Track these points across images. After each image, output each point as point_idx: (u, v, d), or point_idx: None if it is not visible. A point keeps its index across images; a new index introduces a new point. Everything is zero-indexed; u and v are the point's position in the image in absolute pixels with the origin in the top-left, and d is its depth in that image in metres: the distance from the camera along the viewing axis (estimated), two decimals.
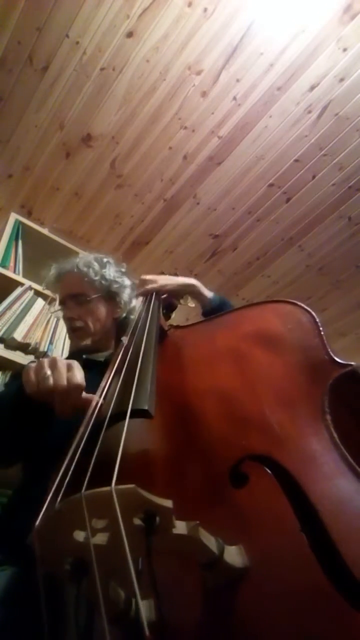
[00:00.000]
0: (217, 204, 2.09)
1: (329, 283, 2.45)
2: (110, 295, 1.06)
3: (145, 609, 0.28)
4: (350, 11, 1.46)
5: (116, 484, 0.31)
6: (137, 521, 0.29)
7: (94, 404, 0.54)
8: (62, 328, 1.75)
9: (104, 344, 1.03)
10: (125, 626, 0.28)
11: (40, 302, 1.78)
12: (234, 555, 0.31)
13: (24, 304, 1.71)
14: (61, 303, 1.07)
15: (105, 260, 1.10)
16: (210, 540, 0.30)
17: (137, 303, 1.09)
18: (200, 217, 2.16)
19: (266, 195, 2.04)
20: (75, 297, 1.03)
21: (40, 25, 1.51)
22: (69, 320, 1.03)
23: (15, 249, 1.87)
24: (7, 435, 0.66)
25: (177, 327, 0.81)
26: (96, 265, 1.05)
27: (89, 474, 0.36)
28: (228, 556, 0.30)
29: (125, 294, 1.08)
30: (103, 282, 1.04)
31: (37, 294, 1.80)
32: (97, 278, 1.03)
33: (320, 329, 0.53)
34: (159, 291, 1.00)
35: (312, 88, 1.66)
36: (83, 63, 1.61)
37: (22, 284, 1.76)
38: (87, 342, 1.00)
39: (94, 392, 0.58)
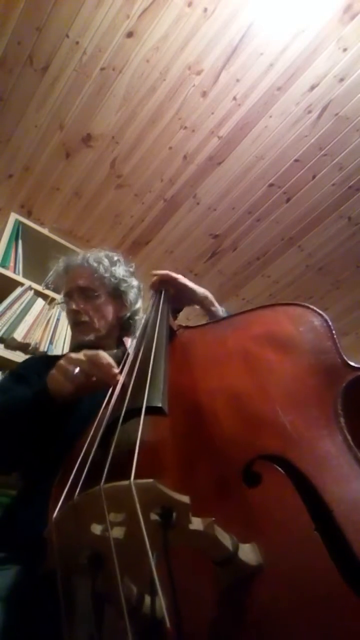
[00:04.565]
0: (217, 204, 2.09)
1: (329, 283, 2.45)
2: (118, 294, 1.05)
3: (160, 603, 0.28)
4: (350, 11, 1.46)
5: (134, 478, 0.31)
6: (153, 516, 0.29)
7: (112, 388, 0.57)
8: (62, 328, 1.75)
9: (106, 342, 1.02)
10: (138, 621, 0.28)
11: (40, 302, 1.78)
12: (248, 552, 0.31)
13: (24, 304, 1.71)
14: (67, 295, 1.05)
15: (115, 258, 1.09)
16: (225, 537, 0.30)
17: (141, 304, 1.10)
18: (200, 217, 2.16)
19: (266, 195, 2.04)
20: (82, 290, 1.02)
21: (40, 25, 1.51)
22: (73, 314, 1.01)
23: (15, 249, 1.87)
24: (23, 438, 0.67)
25: (186, 327, 0.81)
26: (106, 262, 1.05)
27: (106, 468, 0.36)
28: (242, 554, 0.30)
29: (132, 294, 1.08)
30: (112, 279, 1.04)
31: (37, 294, 1.80)
32: (106, 275, 1.03)
33: (334, 332, 0.53)
34: (174, 282, 0.98)
35: (312, 88, 1.66)
36: (83, 63, 1.61)
37: (22, 284, 1.76)
38: (91, 337, 0.99)
39: (95, 393, 0.60)
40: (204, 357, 0.63)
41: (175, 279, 0.98)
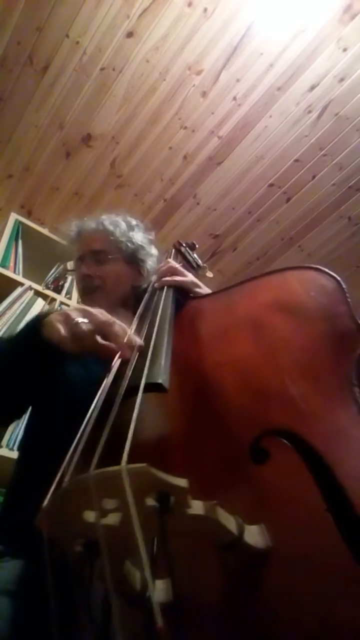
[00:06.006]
0: (217, 204, 2.09)
1: None
2: (134, 261, 0.95)
3: (161, 590, 0.27)
4: (350, 11, 1.46)
5: (128, 462, 0.29)
6: (150, 501, 0.28)
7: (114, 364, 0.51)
8: None
9: (119, 313, 0.88)
10: (144, 607, 0.27)
11: (40, 302, 1.78)
12: (255, 535, 0.29)
13: (24, 304, 1.71)
14: (79, 260, 0.95)
15: (134, 222, 1.00)
16: (229, 520, 0.29)
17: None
18: (200, 217, 2.16)
19: (266, 195, 2.04)
20: (96, 254, 0.92)
21: (40, 25, 1.51)
22: (84, 279, 0.91)
23: (15, 249, 1.87)
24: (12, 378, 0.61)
25: (195, 297, 0.77)
26: (123, 226, 0.96)
27: (98, 451, 0.34)
28: (248, 536, 0.29)
29: (150, 263, 0.98)
30: (129, 244, 0.94)
31: (37, 294, 1.80)
32: (123, 239, 0.94)
33: (347, 295, 0.49)
34: (186, 288, 0.84)
35: (312, 88, 1.66)
36: (83, 63, 1.61)
37: (22, 284, 1.76)
38: (103, 305, 0.91)
39: (95, 376, 0.54)
40: (212, 328, 0.60)
41: (190, 285, 0.87)
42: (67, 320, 0.54)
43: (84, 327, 0.53)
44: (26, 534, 0.53)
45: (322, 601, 0.26)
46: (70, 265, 1.03)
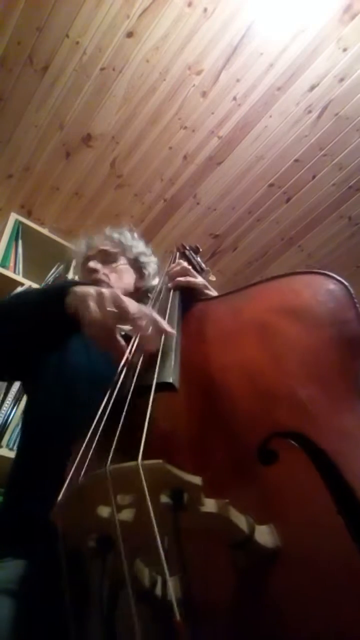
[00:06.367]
0: (217, 204, 2.09)
1: None
2: (137, 265, 1.05)
3: (172, 587, 0.27)
4: (350, 11, 1.46)
5: (142, 459, 0.29)
6: (164, 498, 0.28)
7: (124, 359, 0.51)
8: None
9: None
10: (152, 604, 0.27)
11: None
12: (265, 534, 0.30)
13: None
14: (86, 259, 1.03)
15: (135, 234, 1.12)
16: (240, 519, 0.29)
17: (158, 282, 1.06)
18: (200, 217, 2.16)
19: (266, 195, 2.04)
20: (104, 253, 1.02)
21: (40, 25, 1.51)
22: (90, 273, 0.98)
23: (15, 249, 1.87)
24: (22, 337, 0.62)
25: (200, 299, 0.77)
26: (127, 234, 1.08)
27: (113, 448, 0.34)
28: (259, 536, 0.29)
29: (152, 267, 1.08)
30: (133, 250, 1.05)
31: None
32: (128, 244, 1.05)
33: (355, 301, 0.50)
34: (198, 289, 0.87)
35: (312, 88, 1.66)
36: (83, 63, 1.61)
37: (22, 284, 1.76)
38: None
39: (106, 371, 0.55)
40: (218, 331, 0.60)
41: (193, 285, 0.90)
42: (102, 304, 0.52)
43: (115, 317, 0.51)
44: (28, 534, 0.53)
45: (329, 604, 0.26)
46: (75, 268, 1.10)
